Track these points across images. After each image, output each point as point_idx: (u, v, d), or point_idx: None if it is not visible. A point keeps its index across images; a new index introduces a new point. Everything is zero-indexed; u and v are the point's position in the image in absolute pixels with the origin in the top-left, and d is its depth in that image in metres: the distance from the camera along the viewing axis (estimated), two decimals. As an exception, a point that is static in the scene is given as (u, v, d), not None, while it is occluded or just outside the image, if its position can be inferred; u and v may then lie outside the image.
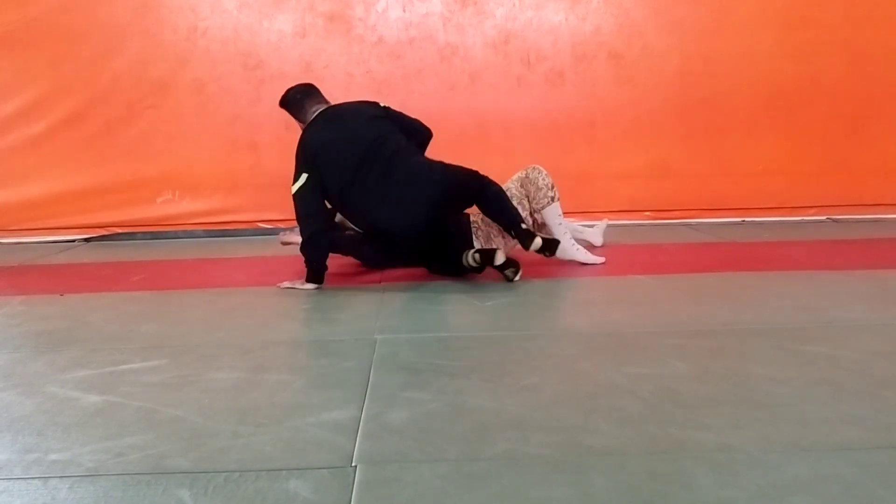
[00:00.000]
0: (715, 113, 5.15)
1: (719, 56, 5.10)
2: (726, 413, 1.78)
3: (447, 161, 3.37)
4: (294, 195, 3.23)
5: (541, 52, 5.06)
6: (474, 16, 5.03)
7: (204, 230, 5.09)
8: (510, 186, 3.56)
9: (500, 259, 3.17)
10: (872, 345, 2.31)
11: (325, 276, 3.23)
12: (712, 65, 5.11)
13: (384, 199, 3.15)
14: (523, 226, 3.22)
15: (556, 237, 3.47)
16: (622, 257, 3.98)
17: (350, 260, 3.62)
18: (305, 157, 3.22)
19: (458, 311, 2.83)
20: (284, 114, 5.09)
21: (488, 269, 3.28)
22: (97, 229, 5.05)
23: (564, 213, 5.11)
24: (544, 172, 3.61)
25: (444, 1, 5.00)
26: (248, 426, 1.76)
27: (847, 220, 5.09)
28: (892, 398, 1.86)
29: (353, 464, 1.55)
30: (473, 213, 3.47)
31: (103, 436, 1.73)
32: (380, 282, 3.40)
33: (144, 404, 1.92)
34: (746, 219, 5.15)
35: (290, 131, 5.12)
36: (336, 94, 4.93)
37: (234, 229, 5.08)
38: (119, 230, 5.04)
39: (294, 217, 3.27)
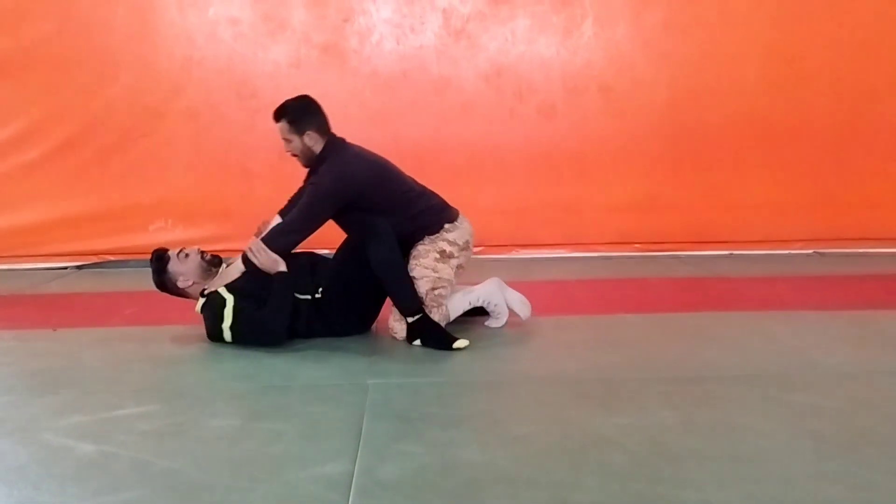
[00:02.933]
0: (703, 146, 5.22)
1: (707, 89, 5.18)
2: (711, 469, 1.82)
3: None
4: None
5: (533, 85, 5.13)
6: (467, 49, 5.10)
7: (196, 258, 5.09)
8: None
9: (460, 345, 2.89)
10: (855, 393, 2.36)
11: None
12: (700, 98, 5.19)
13: None
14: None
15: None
16: (611, 294, 4.03)
17: None
18: None
19: (449, 353, 2.85)
20: (277, 143, 5.14)
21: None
22: (90, 256, 5.06)
23: (556, 244, 5.24)
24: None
25: (437, 34, 5.06)
26: (243, 480, 1.79)
27: (833, 254, 5.17)
28: (872, 453, 1.90)
29: (346, 523, 1.58)
30: None
31: (98, 490, 1.75)
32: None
33: (139, 455, 1.94)
34: (734, 252, 5.22)
35: (283, 160, 5.18)
36: (331, 125, 5.03)
37: (227, 257, 5.08)
38: (111, 258, 5.05)
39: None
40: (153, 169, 5.02)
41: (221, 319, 2.90)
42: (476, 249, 5.14)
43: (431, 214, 3.10)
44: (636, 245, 5.24)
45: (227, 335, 2.91)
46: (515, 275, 4.57)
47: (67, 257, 5.05)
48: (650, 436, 2.01)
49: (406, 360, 2.79)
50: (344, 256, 3.04)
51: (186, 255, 3.08)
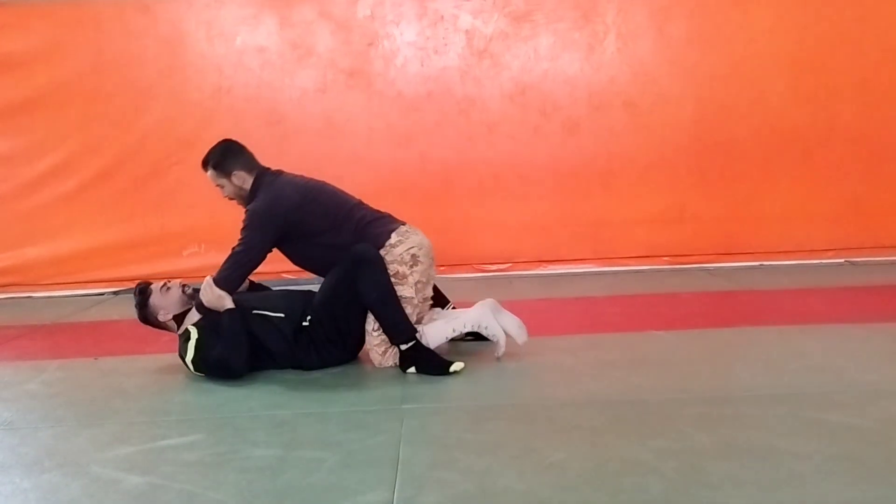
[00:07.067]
0: (730, 158, 5.21)
1: (733, 102, 5.18)
2: (749, 494, 1.82)
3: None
4: None
5: (557, 102, 5.16)
6: (491, 68, 5.15)
7: (229, 281, 5.19)
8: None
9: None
10: (891, 411, 2.34)
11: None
12: (726, 110, 5.19)
13: None
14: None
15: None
16: (641, 310, 4.03)
17: None
18: None
19: (482, 374, 2.89)
20: (305, 167, 5.23)
21: None
22: (126, 282, 5.17)
23: (584, 259, 5.26)
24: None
25: (461, 55, 5.13)
26: (286, 511, 1.83)
27: (865, 263, 5.12)
28: (911, 476, 1.89)
29: (389, 555, 1.61)
30: None
31: (148, 523, 1.81)
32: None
33: (185, 486, 1.99)
34: (764, 263, 5.19)
35: (312, 183, 5.31)
36: (358, 147, 5.12)
37: (259, 281, 5.17)
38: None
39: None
40: (186, 196, 5.13)
41: (185, 353, 2.95)
42: (503, 266, 5.26)
43: (376, 226, 3.08)
44: (665, 258, 5.24)
45: (190, 367, 2.95)
46: (544, 291, 4.61)
47: (105, 283, 5.18)
48: (686, 460, 2.02)
49: (438, 384, 2.83)
50: (331, 283, 3.03)
51: (168, 289, 3.12)
